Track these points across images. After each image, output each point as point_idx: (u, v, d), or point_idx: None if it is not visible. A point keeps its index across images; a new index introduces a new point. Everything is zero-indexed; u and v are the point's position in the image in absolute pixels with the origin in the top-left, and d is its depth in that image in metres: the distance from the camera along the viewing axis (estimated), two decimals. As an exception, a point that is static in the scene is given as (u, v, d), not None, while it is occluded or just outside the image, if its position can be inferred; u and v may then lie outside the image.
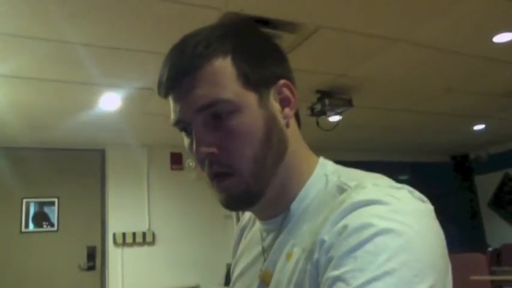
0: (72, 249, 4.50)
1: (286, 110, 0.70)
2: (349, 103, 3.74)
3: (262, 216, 0.76)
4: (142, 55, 2.82)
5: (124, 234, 4.62)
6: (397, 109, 4.45)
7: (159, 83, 0.69)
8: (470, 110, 4.66)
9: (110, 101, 3.54)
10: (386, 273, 0.51)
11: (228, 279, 4.80)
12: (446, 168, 6.80)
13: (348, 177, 0.67)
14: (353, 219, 0.57)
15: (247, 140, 0.66)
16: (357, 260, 0.53)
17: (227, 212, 5.20)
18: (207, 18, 2.44)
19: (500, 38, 2.97)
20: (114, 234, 4.60)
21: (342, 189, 0.65)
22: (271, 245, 0.72)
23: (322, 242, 0.59)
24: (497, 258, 5.19)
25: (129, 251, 4.64)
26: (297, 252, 0.65)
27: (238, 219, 5.22)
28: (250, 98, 0.66)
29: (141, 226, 4.76)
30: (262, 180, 0.68)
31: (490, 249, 5.39)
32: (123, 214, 4.72)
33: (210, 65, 0.65)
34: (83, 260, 4.51)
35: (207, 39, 0.67)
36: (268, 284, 0.69)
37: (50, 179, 4.58)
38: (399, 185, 0.63)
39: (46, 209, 4.57)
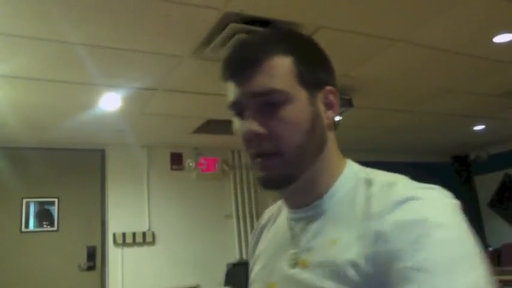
0: (72, 249, 4.50)
1: (329, 112, 0.79)
2: (349, 103, 3.74)
3: (293, 204, 0.82)
4: (142, 55, 2.82)
5: (124, 234, 4.62)
6: (397, 109, 4.45)
7: (226, 68, 0.78)
8: (470, 110, 4.66)
9: (110, 101, 3.54)
10: (455, 262, 0.60)
11: (228, 279, 4.81)
12: (446, 168, 6.80)
13: (375, 173, 0.77)
14: (408, 214, 0.65)
15: (295, 128, 0.74)
16: (428, 251, 0.60)
17: (227, 212, 5.22)
18: (207, 18, 2.44)
19: (501, 38, 2.97)
20: (114, 234, 4.59)
21: (369, 183, 0.75)
22: (302, 233, 0.79)
23: (378, 234, 0.66)
24: (497, 258, 5.19)
25: (129, 251, 4.64)
26: (342, 240, 0.71)
27: (238, 219, 5.23)
28: (302, 94, 0.75)
29: (141, 226, 4.77)
30: (301, 166, 0.76)
31: (490, 249, 5.39)
32: (123, 214, 4.72)
33: (272, 60, 0.74)
34: (83, 260, 4.51)
35: (272, 38, 0.79)
36: (307, 267, 0.74)
37: (50, 179, 4.58)
38: (430, 185, 0.72)
39: (47, 208, 4.57)
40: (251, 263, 0.93)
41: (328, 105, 0.79)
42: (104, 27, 2.46)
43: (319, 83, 0.78)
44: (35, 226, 4.47)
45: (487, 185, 6.63)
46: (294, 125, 0.74)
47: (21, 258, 4.29)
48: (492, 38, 2.97)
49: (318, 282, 0.71)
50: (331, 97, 0.79)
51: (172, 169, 5.10)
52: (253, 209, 5.32)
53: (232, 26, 2.50)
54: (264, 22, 2.53)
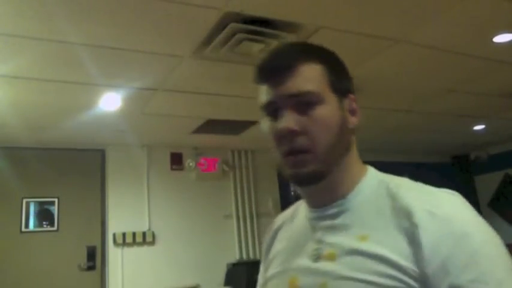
0: (72, 249, 4.49)
1: (353, 118, 0.86)
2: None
3: (315, 203, 0.86)
4: (142, 55, 2.82)
5: (124, 234, 4.62)
6: (397, 109, 4.45)
7: (261, 72, 0.84)
8: (470, 110, 4.66)
9: (110, 101, 3.54)
10: (506, 273, 0.68)
11: (228, 279, 4.81)
12: (446, 168, 6.80)
13: (395, 178, 0.84)
14: (455, 227, 0.70)
15: (326, 128, 0.80)
16: (483, 264, 0.68)
17: (227, 212, 5.21)
18: (207, 18, 2.44)
19: (501, 38, 2.96)
20: (114, 234, 4.59)
21: (394, 184, 0.81)
22: (326, 230, 0.82)
23: (414, 236, 0.71)
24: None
25: (129, 251, 4.64)
26: (373, 236, 0.75)
27: (238, 219, 5.22)
28: (332, 99, 0.82)
29: (141, 226, 4.76)
30: (329, 165, 0.81)
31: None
32: (123, 214, 4.72)
33: (306, 65, 0.81)
34: (83, 260, 4.51)
35: (303, 48, 0.89)
36: (333, 260, 0.78)
37: (50, 179, 4.58)
38: (450, 190, 0.79)
39: (47, 208, 4.57)
40: (264, 265, 0.96)
41: (352, 112, 0.86)
42: (104, 27, 2.46)
43: (345, 91, 0.85)
44: (35, 226, 4.47)
45: (487, 185, 6.63)
46: (325, 125, 0.80)
47: (21, 258, 4.28)
48: (492, 38, 2.97)
49: (346, 272, 0.74)
50: (353, 104, 0.86)
51: (172, 169, 5.09)
52: (253, 209, 5.32)
53: (232, 26, 2.50)
54: (264, 22, 2.53)
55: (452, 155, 6.95)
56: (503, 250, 0.71)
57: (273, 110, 0.82)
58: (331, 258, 0.78)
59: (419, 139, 5.83)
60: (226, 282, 4.80)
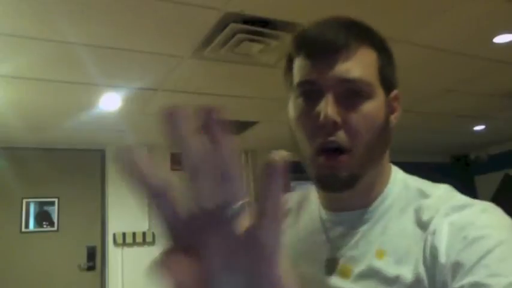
0: (72, 249, 4.49)
1: (393, 117, 0.75)
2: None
3: (336, 206, 0.76)
4: (143, 55, 2.82)
5: (124, 234, 4.62)
6: (397, 109, 4.45)
7: (306, 43, 0.72)
8: (470, 110, 4.66)
9: (110, 101, 3.54)
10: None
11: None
12: (446, 168, 6.80)
13: (427, 184, 0.74)
14: (470, 232, 0.62)
15: (370, 126, 0.69)
16: (489, 267, 0.58)
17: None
18: (207, 18, 2.44)
19: (501, 38, 2.96)
20: (114, 234, 4.59)
21: (424, 194, 0.71)
22: (343, 238, 0.73)
23: (435, 250, 0.63)
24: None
25: (129, 251, 4.64)
26: (391, 252, 0.68)
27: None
28: (380, 93, 0.71)
29: (141, 226, 4.76)
30: (365, 169, 0.70)
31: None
32: (123, 214, 4.72)
33: (362, 49, 0.70)
34: (83, 260, 4.51)
35: (358, 27, 0.74)
36: (348, 277, 0.70)
37: (50, 179, 4.58)
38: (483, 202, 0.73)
39: (46, 209, 4.57)
40: None
41: (392, 110, 0.75)
42: (104, 27, 2.46)
43: (391, 86, 0.75)
44: (35, 226, 4.47)
45: (487, 185, 6.63)
46: (370, 122, 0.69)
47: (21, 258, 4.28)
48: (492, 38, 2.96)
49: None
50: (396, 102, 0.76)
51: (172, 169, 5.09)
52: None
53: (232, 26, 2.50)
54: (264, 22, 2.53)
55: (452, 155, 6.95)
56: None
57: (310, 90, 0.69)
58: (347, 274, 0.70)
59: (419, 139, 5.82)
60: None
